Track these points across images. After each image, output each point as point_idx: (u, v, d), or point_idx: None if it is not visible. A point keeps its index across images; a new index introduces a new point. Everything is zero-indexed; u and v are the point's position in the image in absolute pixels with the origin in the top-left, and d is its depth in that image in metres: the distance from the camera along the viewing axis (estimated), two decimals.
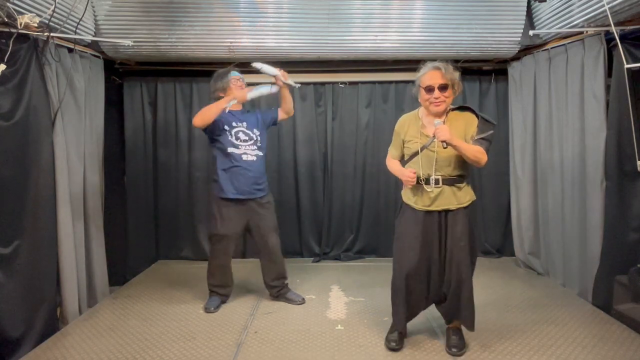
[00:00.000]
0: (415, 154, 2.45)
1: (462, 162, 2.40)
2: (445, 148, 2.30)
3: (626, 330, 2.73)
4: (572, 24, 3.16)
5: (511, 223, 4.23)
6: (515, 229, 4.16)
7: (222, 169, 3.08)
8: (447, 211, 2.42)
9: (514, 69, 4.09)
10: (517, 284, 3.65)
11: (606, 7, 2.70)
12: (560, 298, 3.29)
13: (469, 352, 2.51)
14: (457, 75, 2.39)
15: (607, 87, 3.02)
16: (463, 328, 2.58)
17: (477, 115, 2.42)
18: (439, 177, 2.39)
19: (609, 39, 2.96)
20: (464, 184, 2.45)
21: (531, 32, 3.51)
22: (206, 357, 2.51)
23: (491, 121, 2.40)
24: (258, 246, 3.26)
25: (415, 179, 2.39)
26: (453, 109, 2.47)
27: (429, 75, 2.36)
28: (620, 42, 2.80)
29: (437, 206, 2.41)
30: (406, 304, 2.51)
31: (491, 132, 2.36)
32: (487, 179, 4.40)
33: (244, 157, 3.07)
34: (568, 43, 3.36)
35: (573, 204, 3.37)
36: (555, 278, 3.66)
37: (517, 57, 3.99)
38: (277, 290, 3.30)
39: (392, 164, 2.62)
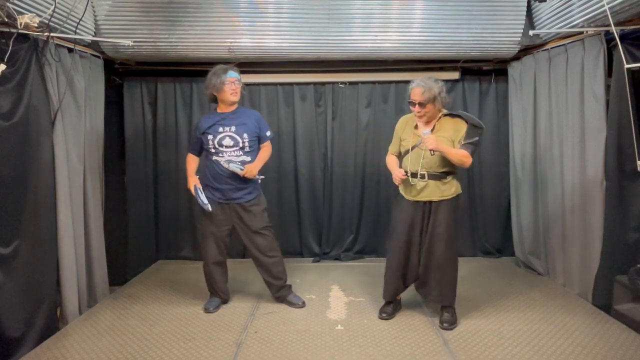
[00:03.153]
0: (408, 151, 2.82)
1: (448, 161, 2.72)
2: (432, 155, 2.70)
3: (626, 330, 2.73)
4: (572, 24, 3.16)
5: (511, 223, 4.23)
6: (515, 229, 4.16)
7: (209, 174, 3.07)
8: (431, 202, 2.77)
9: (514, 69, 4.09)
10: (517, 284, 3.64)
11: (606, 7, 2.70)
12: (560, 298, 3.29)
13: (469, 353, 2.51)
14: (437, 91, 2.67)
15: (607, 87, 3.02)
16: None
17: (466, 122, 2.72)
18: (425, 172, 2.75)
19: (609, 39, 2.95)
20: (449, 179, 2.78)
21: (531, 32, 3.51)
22: (206, 357, 2.51)
23: (479, 125, 2.71)
24: (246, 248, 3.29)
25: (401, 181, 2.79)
26: (445, 115, 2.79)
27: (412, 92, 2.73)
28: (620, 42, 2.80)
29: (422, 197, 2.79)
30: (393, 278, 2.91)
31: (477, 138, 2.68)
32: (487, 179, 4.40)
33: (225, 165, 2.99)
34: (568, 43, 3.35)
35: (573, 204, 3.37)
36: (555, 278, 3.65)
37: (517, 57, 3.99)
38: (277, 289, 3.27)
39: (390, 160, 2.97)
